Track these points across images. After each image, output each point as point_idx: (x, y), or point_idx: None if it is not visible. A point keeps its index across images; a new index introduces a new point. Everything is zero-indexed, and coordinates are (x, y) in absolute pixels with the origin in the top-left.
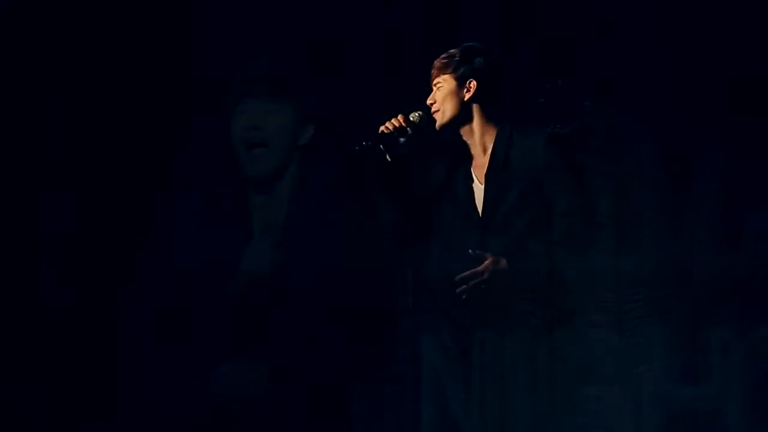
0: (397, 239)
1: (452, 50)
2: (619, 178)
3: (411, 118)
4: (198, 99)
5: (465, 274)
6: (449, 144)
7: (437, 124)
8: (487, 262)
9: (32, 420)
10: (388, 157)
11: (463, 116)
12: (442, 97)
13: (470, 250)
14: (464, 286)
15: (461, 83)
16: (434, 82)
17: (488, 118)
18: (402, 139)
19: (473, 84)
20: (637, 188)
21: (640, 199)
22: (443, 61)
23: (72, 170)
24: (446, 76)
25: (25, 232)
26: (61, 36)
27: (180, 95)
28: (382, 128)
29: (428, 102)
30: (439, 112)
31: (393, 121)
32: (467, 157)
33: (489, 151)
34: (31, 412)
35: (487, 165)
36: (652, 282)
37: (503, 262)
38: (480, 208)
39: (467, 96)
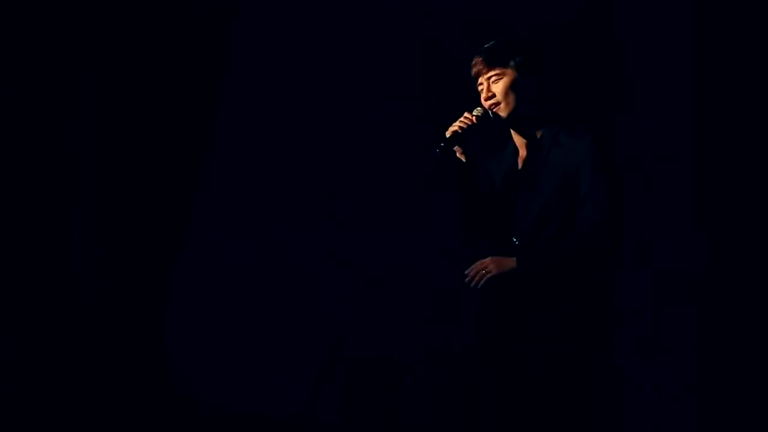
0: (464, 239)
1: (495, 42)
2: None
3: (475, 113)
4: (231, 98)
5: (473, 266)
6: (498, 139)
7: (505, 116)
8: (496, 257)
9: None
10: (463, 157)
11: (522, 109)
12: (504, 88)
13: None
14: (469, 271)
15: (522, 74)
16: (486, 75)
17: (539, 112)
18: (473, 137)
19: (535, 75)
20: None
21: None
22: (490, 53)
23: (103, 172)
24: (503, 69)
25: (58, 235)
26: (93, 34)
27: (214, 95)
28: (453, 129)
29: (484, 96)
30: (503, 105)
31: (462, 119)
32: (515, 152)
33: (534, 145)
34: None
35: (528, 161)
36: None
37: (510, 263)
38: (518, 200)
39: (530, 87)
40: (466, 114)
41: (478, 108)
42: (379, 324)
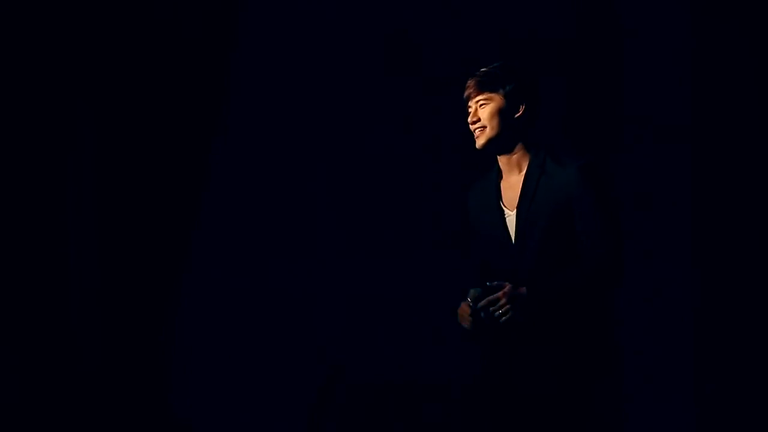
0: None
1: (489, 68)
2: None
3: (470, 299)
4: (235, 106)
5: (482, 302)
6: (483, 169)
7: (480, 143)
8: (505, 289)
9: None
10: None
11: (505, 137)
12: (489, 114)
13: (487, 282)
14: (485, 310)
15: (509, 102)
16: (475, 99)
17: (526, 141)
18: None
19: (523, 104)
20: None
21: None
22: (482, 79)
23: (99, 186)
24: (492, 94)
25: (54, 255)
26: (91, 45)
27: (217, 102)
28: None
29: (470, 119)
30: (486, 129)
31: (465, 317)
32: (499, 182)
33: (522, 177)
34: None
35: (519, 192)
36: None
37: (522, 290)
38: (513, 236)
39: (516, 116)
40: (464, 305)
41: (472, 292)
42: (379, 350)
